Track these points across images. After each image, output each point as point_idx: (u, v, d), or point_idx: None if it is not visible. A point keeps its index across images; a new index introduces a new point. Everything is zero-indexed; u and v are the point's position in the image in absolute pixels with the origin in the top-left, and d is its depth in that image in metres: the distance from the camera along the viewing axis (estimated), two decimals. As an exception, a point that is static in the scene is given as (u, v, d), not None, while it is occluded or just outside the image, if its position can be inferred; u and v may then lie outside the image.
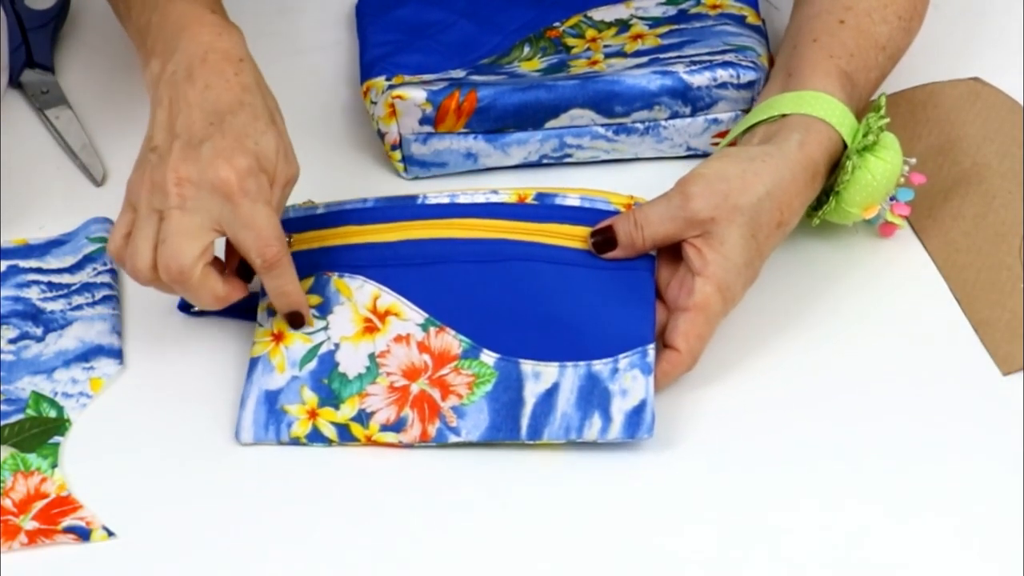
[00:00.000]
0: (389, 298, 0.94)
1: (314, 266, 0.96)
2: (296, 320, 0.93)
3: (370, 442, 0.91)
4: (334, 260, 0.96)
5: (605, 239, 0.94)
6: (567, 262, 0.95)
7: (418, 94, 1.02)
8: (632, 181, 1.02)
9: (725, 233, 0.91)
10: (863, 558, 0.86)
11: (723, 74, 1.02)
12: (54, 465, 0.91)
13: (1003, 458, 0.90)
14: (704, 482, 0.90)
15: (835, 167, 0.96)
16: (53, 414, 0.93)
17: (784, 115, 0.96)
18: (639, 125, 1.04)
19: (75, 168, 1.08)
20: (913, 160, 0.99)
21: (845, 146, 0.95)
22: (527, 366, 0.92)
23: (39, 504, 0.89)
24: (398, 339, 0.93)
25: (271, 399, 0.93)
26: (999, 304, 0.97)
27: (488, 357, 0.92)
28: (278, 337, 0.95)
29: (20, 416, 0.93)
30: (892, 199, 0.98)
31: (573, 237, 0.95)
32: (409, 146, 1.04)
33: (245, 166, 0.88)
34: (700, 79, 1.02)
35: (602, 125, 1.04)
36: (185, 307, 0.98)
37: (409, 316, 0.94)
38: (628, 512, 0.89)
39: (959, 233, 1.01)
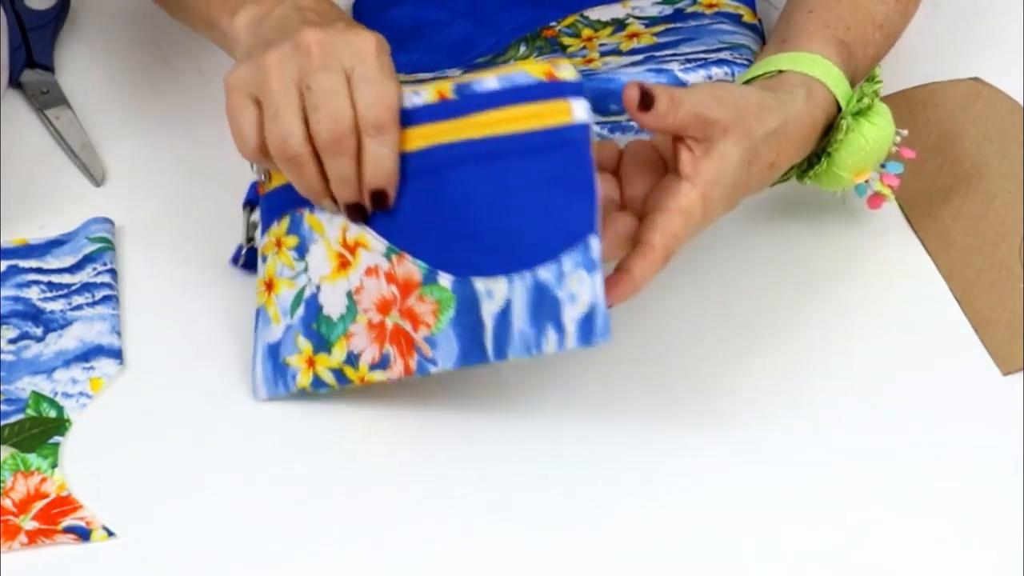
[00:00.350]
0: (355, 229, 0.92)
1: (290, 203, 0.94)
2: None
3: (363, 383, 0.91)
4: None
5: (644, 97, 0.89)
6: (498, 155, 0.89)
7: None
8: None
9: (728, 148, 0.90)
10: (863, 558, 0.86)
11: (718, 72, 1.02)
12: (54, 465, 0.91)
13: (1003, 458, 0.90)
14: (702, 482, 0.90)
15: (828, 130, 0.96)
16: (53, 414, 0.93)
17: (780, 71, 0.96)
18: (634, 124, 1.04)
19: (75, 168, 1.08)
20: (905, 132, 0.99)
21: (839, 111, 0.96)
22: (480, 284, 0.89)
23: (39, 504, 0.89)
24: (368, 272, 0.92)
25: (274, 353, 0.93)
26: (999, 304, 0.97)
27: (445, 280, 0.89)
28: (269, 285, 0.94)
29: (20, 416, 0.93)
30: (882, 167, 0.98)
31: (499, 122, 0.90)
32: None
33: (381, 41, 0.89)
34: (695, 77, 1.02)
35: (597, 123, 1.03)
36: (237, 259, 0.99)
37: (374, 247, 0.91)
38: (625, 513, 0.89)
39: (959, 233, 1.01)
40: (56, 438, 0.92)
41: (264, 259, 0.95)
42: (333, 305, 0.92)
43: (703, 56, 1.03)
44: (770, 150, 0.92)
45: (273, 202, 0.95)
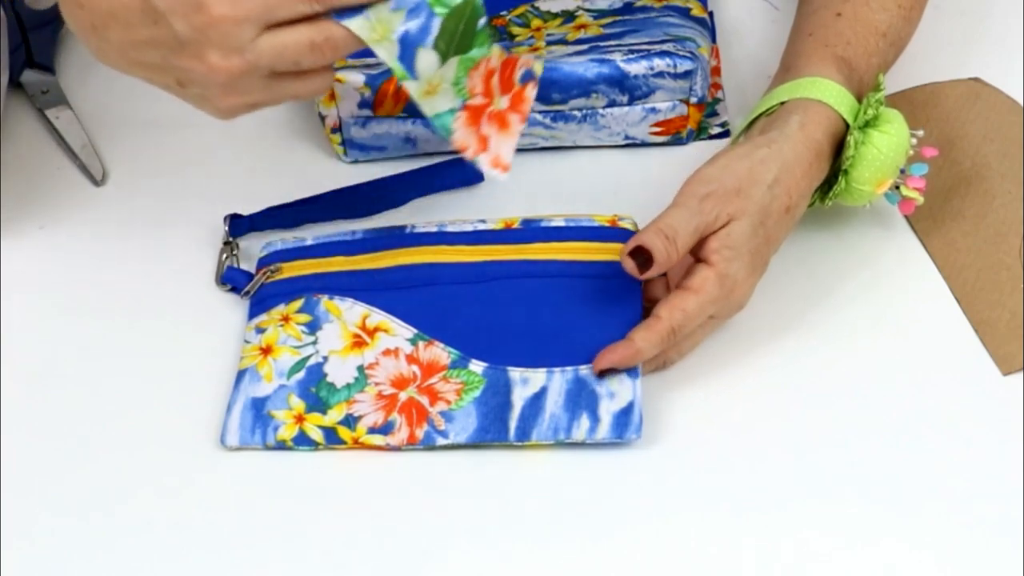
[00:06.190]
0: (378, 316, 0.95)
1: (304, 289, 0.97)
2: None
3: (357, 444, 0.91)
4: (324, 284, 0.97)
5: (643, 259, 0.91)
6: (553, 274, 0.95)
7: (356, 78, 1.02)
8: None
9: (733, 224, 0.91)
10: (862, 558, 0.86)
11: (660, 63, 1.02)
12: (489, 44, 0.87)
13: (1003, 458, 0.90)
14: (702, 482, 0.90)
15: (841, 147, 0.96)
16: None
17: (782, 103, 0.96)
18: (577, 113, 1.04)
19: (75, 168, 1.08)
20: (920, 132, 0.98)
21: (848, 127, 0.95)
22: (515, 373, 0.92)
23: (494, 80, 0.88)
24: (387, 352, 0.94)
25: (258, 405, 0.93)
26: (999, 304, 0.97)
27: (477, 366, 0.92)
28: (266, 351, 0.95)
29: (439, 24, 0.86)
30: (903, 172, 0.98)
31: (559, 251, 0.96)
32: (349, 129, 1.05)
33: None
34: (637, 68, 1.02)
35: (540, 112, 1.04)
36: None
37: (398, 332, 0.94)
38: (622, 515, 0.89)
39: (959, 233, 1.01)
40: (476, 23, 0.87)
41: (261, 331, 0.96)
42: (340, 375, 0.93)
43: (647, 47, 1.03)
44: (780, 198, 0.93)
45: (281, 289, 0.97)
